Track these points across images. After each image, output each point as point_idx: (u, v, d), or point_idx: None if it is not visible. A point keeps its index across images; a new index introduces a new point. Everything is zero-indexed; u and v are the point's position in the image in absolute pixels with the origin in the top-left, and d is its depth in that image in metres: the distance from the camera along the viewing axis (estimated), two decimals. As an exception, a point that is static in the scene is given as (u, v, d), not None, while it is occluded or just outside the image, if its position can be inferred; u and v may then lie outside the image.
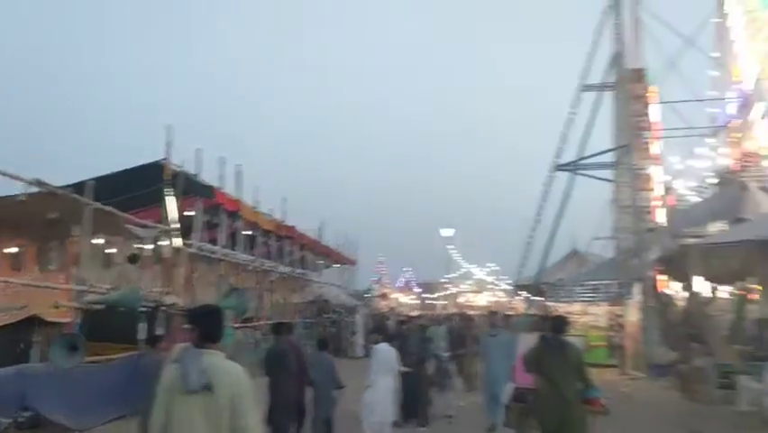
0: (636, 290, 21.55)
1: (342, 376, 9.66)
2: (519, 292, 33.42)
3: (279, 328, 9.94)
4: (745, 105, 26.99)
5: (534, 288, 25.60)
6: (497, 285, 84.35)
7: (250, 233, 22.25)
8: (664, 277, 17.85)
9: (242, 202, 20.61)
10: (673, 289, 24.00)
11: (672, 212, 24.44)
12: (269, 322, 19.29)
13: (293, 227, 26.37)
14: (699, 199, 24.83)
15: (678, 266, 12.48)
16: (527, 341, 9.09)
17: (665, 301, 18.15)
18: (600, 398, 8.38)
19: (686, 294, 12.47)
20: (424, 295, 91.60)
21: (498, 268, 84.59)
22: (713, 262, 11.28)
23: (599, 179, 31.27)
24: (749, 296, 15.21)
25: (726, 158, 27.51)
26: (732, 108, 28.42)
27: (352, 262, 37.10)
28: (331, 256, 34.37)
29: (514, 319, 20.35)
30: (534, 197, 30.94)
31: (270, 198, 24.20)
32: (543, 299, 24.03)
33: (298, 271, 27.87)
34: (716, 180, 25.30)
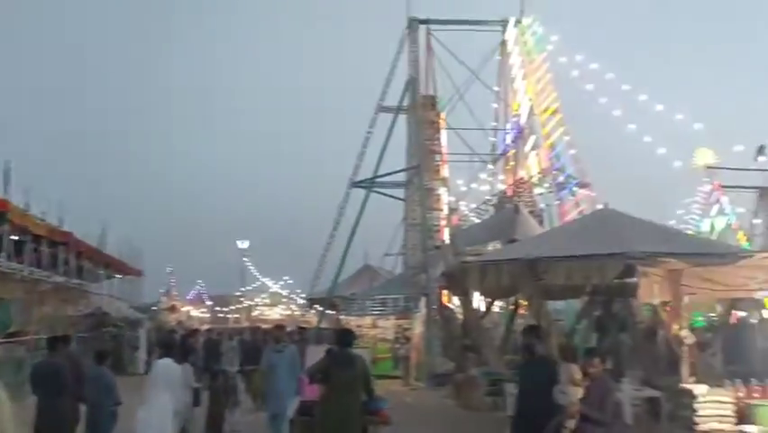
0: (422, 304, 22.75)
1: (122, 393, 8.99)
2: (313, 306, 33.71)
3: (54, 343, 9.06)
4: (520, 136, 29.82)
5: (328, 301, 25.96)
6: (291, 299, 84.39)
7: (17, 238, 20.00)
8: (447, 292, 19.01)
9: (9, 203, 18.50)
10: (455, 303, 25.77)
11: (455, 231, 26.19)
12: (37, 337, 17.48)
13: (70, 233, 24.17)
14: (479, 220, 26.96)
15: (459, 282, 13.36)
16: (315, 354, 9.12)
17: (447, 315, 19.31)
18: (384, 408, 8.63)
19: (465, 308, 13.39)
20: (216, 308, 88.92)
21: (292, 282, 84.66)
22: (488, 279, 12.21)
23: (392, 197, 32.70)
24: (518, 310, 16.72)
25: (503, 183, 30.16)
26: (509, 139, 31.28)
27: (138, 273, 34.87)
28: (113, 266, 32.05)
29: (307, 333, 20.45)
30: (333, 212, 31.58)
31: (45, 201, 22.04)
32: (335, 312, 24.42)
33: (75, 281, 25.59)
34: (493, 203, 27.64)
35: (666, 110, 27.82)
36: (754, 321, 14.55)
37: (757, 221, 40.26)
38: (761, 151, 43.66)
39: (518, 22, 31.69)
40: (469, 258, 14.24)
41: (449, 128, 29.47)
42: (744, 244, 29.97)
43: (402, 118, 30.73)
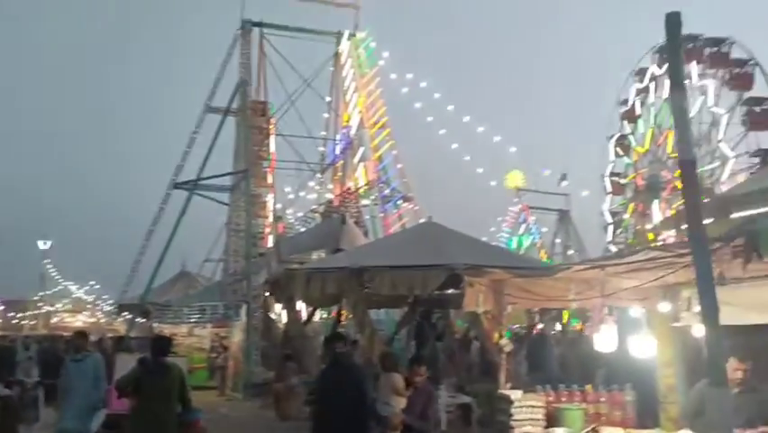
0: (243, 312, 22.10)
1: None
2: (123, 313, 31.53)
3: None
4: (349, 148, 30.23)
5: (139, 308, 24.40)
6: (97, 305, 78.52)
7: None
8: (271, 299, 18.64)
9: None
10: (277, 311, 25.38)
11: (280, 239, 25.87)
12: None
13: None
14: (305, 229, 26.84)
15: (283, 289, 13.10)
16: (125, 363, 8.44)
17: (268, 323, 18.93)
18: (200, 419, 8.18)
19: (288, 315, 13.15)
20: (10, 314, 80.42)
21: (99, 287, 78.82)
22: (313, 287, 12.08)
23: (216, 201, 31.61)
24: (341, 319, 16.78)
25: (330, 193, 30.34)
26: (338, 149, 31.60)
27: None
28: None
29: (125, 342, 19.06)
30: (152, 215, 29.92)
31: None
32: (147, 320, 22.96)
33: None
34: (320, 212, 27.70)
35: (486, 132, 29.62)
36: (552, 332, 15.85)
37: (558, 240, 44.17)
38: (563, 177, 48.04)
39: (352, 35, 32.17)
40: (294, 265, 14.01)
41: (279, 134, 29.13)
42: (545, 261, 32.63)
43: (231, 121, 29.91)
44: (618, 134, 45.70)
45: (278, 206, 29.91)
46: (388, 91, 31.16)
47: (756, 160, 32.80)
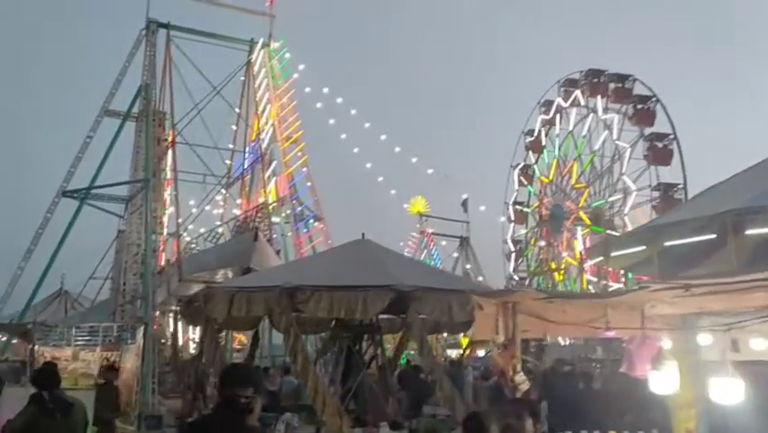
0: (139, 334, 19.95)
1: None
2: (-4, 333, 28.12)
3: None
4: (258, 162, 28.62)
5: (18, 329, 21.57)
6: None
7: None
8: (165, 322, 16.75)
9: None
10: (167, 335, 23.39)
11: (181, 256, 23.87)
12: None
13: None
14: (210, 245, 24.87)
15: (198, 311, 11.50)
16: (14, 398, 6.75)
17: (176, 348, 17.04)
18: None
19: (207, 339, 11.54)
20: None
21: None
22: (237, 308, 10.60)
23: (109, 212, 29.05)
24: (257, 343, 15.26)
25: (237, 209, 28.53)
26: (246, 163, 29.88)
27: None
28: None
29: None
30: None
31: None
32: (28, 342, 20.18)
33: None
34: (228, 229, 25.84)
35: (402, 153, 28.90)
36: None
37: (468, 266, 44.05)
38: (464, 204, 48.18)
39: (266, 44, 30.73)
40: (196, 287, 12.38)
41: (182, 143, 27.09)
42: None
43: (131, 127, 27.62)
44: (523, 164, 46.63)
45: (180, 220, 27.66)
46: (302, 105, 29.90)
47: (657, 193, 33.98)
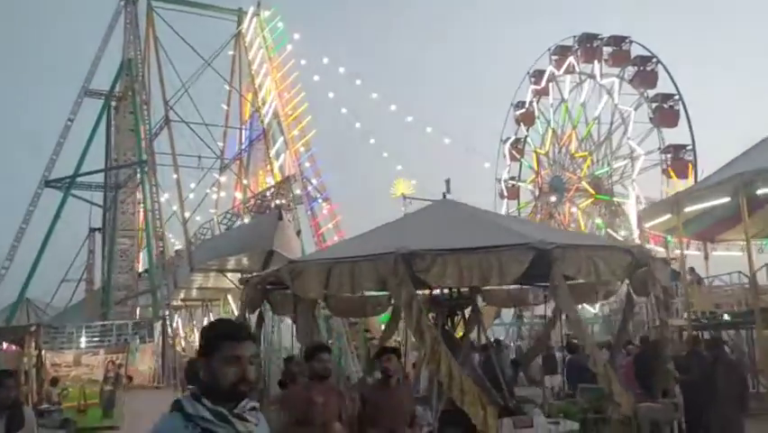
0: (157, 331, 17.82)
1: None
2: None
3: None
4: (260, 139, 26.46)
5: (17, 332, 19.11)
6: None
7: None
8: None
9: None
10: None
11: (192, 243, 21.66)
12: None
13: None
14: (219, 231, 22.57)
15: (282, 293, 9.53)
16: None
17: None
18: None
19: (300, 325, 9.55)
20: None
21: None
22: (336, 283, 8.70)
23: (92, 203, 26.66)
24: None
25: (245, 190, 26.29)
26: (245, 141, 27.67)
27: None
28: None
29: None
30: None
31: None
32: (25, 347, 17.78)
33: None
34: (247, 206, 23.44)
35: (414, 123, 27.01)
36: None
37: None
38: (447, 184, 46.59)
39: (256, 14, 28.43)
40: (296, 260, 10.34)
41: (178, 120, 24.73)
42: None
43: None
44: (513, 138, 45.20)
45: (174, 207, 25.25)
46: (299, 78, 27.69)
47: (666, 155, 32.92)
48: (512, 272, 8.53)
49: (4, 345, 21.36)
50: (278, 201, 19.32)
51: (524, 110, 43.58)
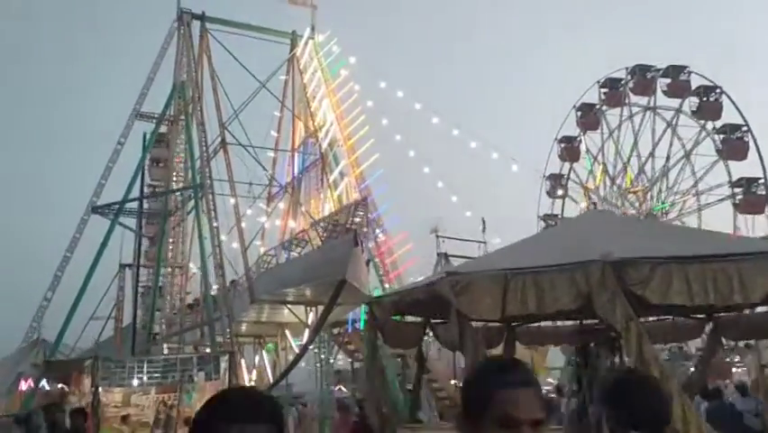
0: (223, 366, 15.94)
1: None
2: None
3: None
4: (315, 165, 24.96)
5: (72, 366, 17.26)
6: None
7: None
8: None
9: None
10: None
11: (250, 272, 19.94)
12: None
13: None
14: (282, 260, 20.78)
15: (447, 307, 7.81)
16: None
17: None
18: None
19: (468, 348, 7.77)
20: None
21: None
22: (518, 298, 6.97)
23: (134, 231, 25.10)
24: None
25: (292, 220, 24.70)
26: (297, 167, 26.20)
27: None
28: None
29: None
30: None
31: None
32: (88, 385, 15.82)
33: None
34: (322, 228, 21.69)
35: (477, 149, 25.53)
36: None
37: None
38: (483, 223, 44.87)
39: (311, 37, 27.28)
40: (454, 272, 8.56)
41: (235, 143, 23.27)
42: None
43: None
44: (558, 173, 43.64)
45: (224, 237, 23.46)
46: (353, 103, 26.30)
47: (737, 189, 31.13)
48: (756, 286, 6.78)
49: (46, 384, 19.58)
50: (350, 225, 17.63)
51: (569, 145, 42.11)
